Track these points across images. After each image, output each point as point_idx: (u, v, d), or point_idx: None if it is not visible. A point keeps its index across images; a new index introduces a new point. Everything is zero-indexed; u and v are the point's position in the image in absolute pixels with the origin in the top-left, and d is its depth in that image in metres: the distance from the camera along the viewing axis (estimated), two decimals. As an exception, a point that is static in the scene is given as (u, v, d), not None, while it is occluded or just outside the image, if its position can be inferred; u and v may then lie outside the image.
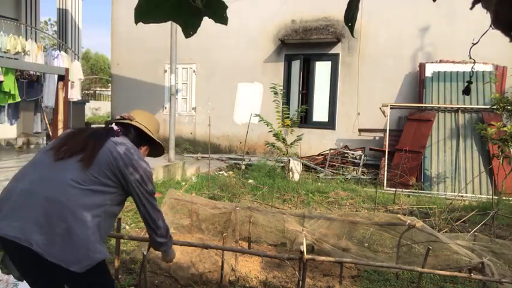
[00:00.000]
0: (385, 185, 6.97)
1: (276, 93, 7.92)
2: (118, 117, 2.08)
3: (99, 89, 26.23)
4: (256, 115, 7.99)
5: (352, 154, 8.38)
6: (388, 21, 8.42)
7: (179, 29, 1.20)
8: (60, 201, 1.60)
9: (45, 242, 1.53)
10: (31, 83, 7.55)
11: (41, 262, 1.60)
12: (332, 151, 8.52)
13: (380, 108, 8.04)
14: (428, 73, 7.84)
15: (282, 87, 8.58)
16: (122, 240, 3.24)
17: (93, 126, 12.42)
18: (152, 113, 8.96)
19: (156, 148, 2.19)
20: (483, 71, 7.37)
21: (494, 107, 5.99)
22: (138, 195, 1.84)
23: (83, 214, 1.63)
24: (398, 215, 3.57)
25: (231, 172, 7.83)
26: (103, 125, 2.07)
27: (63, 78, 5.03)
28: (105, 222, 1.79)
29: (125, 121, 2.03)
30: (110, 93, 14.35)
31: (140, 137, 2.03)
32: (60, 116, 4.90)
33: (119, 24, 10.89)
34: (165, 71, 10.35)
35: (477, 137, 6.86)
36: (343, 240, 3.46)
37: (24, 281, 1.86)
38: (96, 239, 1.66)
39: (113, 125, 1.98)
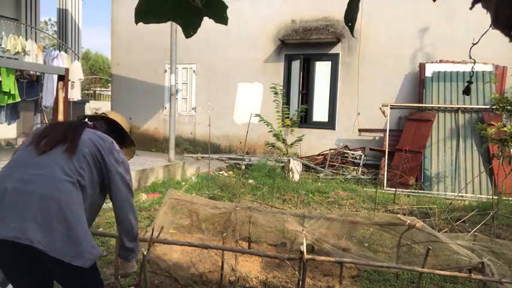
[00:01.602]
0: (385, 185, 6.97)
1: (276, 93, 7.92)
2: (91, 113, 2.18)
3: (99, 89, 26.20)
4: (256, 115, 7.99)
5: (352, 154, 8.38)
6: (388, 21, 8.42)
7: (179, 29, 1.20)
8: (55, 197, 1.58)
9: (46, 239, 1.51)
10: (31, 83, 7.54)
11: (38, 261, 1.60)
12: (332, 151, 8.52)
13: (380, 108, 8.04)
14: (428, 73, 7.84)
15: (282, 87, 8.58)
16: (122, 240, 3.23)
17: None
18: (152, 113, 8.90)
19: (126, 147, 2.22)
20: (483, 71, 7.37)
21: (494, 107, 5.99)
22: (118, 185, 1.83)
23: (77, 208, 1.63)
24: (398, 215, 3.57)
25: (231, 172, 7.84)
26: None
27: (63, 78, 5.03)
28: (91, 216, 1.81)
29: (98, 115, 2.11)
30: (110, 93, 14.35)
31: (111, 133, 2.05)
32: (60, 116, 4.91)
33: (119, 24, 10.89)
34: (165, 71, 10.35)
35: (477, 137, 6.86)
36: (343, 240, 3.46)
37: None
38: (90, 233, 1.68)
39: (86, 120, 2.04)
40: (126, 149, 2.19)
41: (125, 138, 2.17)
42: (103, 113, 2.13)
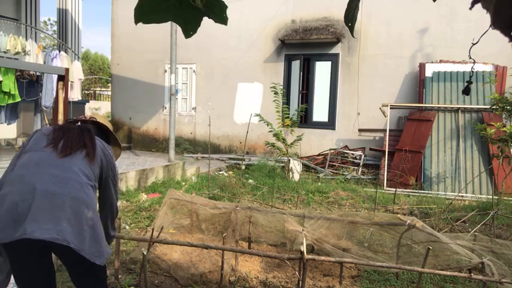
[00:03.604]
0: (385, 185, 6.97)
1: (276, 93, 7.93)
2: (81, 116, 2.25)
3: (99, 89, 26.20)
4: (257, 115, 7.99)
5: (352, 154, 8.38)
6: (388, 21, 8.42)
7: (179, 29, 1.20)
8: (84, 200, 1.70)
9: (78, 240, 1.62)
10: (31, 83, 7.55)
11: (48, 258, 1.78)
12: (332, 151, 8.52)
13: (380, 108, 8.04)
14: (428, 73, 7.84)
15: (282, 87, 8.59)
16: (121, 240, 3.24)
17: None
18: (152, 113, 8.90)
19: (112, 148, 2.34)
20: (483, 71, 7.37)
21: (494, 107, 5.99)
22: (111, 189, 2.03)
23: (96, 210, 1.80)
24: (398, 215, 3.57)
25: (231, 172, 7.84)
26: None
27: (63, 78, 5.02)
28: None
29: (88, 119, 2.20)
30: (110, 93, 14.35)
31: (100, 135, 2.17)
32: (60, 116, 4.90)
33: (119, 24, 10.90)
34: (165, 71, 10.35)
35: (477, 137, 6.86)
36: (343, 240, 3.46)
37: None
38: None
39: (79, 123, 2.13)
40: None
41: (109, 140, 2.31)
42: (92, 117, 2.22)
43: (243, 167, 7.78)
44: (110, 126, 2.28)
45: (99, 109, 23.37)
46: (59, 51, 8.33)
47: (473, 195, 6.40)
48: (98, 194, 2.02)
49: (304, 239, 2.54)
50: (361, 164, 8.02)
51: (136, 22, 1.15)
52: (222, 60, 9.86)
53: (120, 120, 10.92)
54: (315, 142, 9.05)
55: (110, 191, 2.02)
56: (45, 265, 1.78)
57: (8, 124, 7.36)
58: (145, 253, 2.40)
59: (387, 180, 7.04)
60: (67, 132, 1.89)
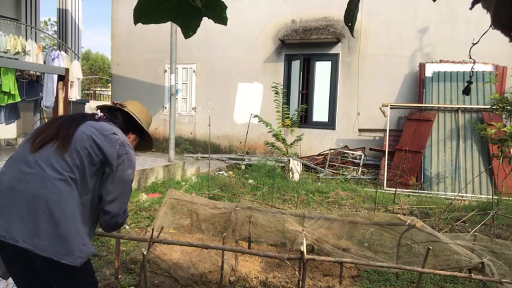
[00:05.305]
0: (385, 185, 6.97)
1: (276, 92, 7.93)
2: (110, 103, 2.03)
3: (99, 89, 26.19)
4: (255, 116, 7.99)
5: (352, 154, 8.38)
6: (388, 21, 8.42)
7: (179, 29, 1.20)
8: (44, 196, 1.55)
9: (33, 238, 1.49)
10: (31, 83, 7.54)
11: (30, 259, 1.59)
12: (332, 151, 8.52)
13: (380, 108, 8.04)
14: (428, 73, 7.84)
15: (282, 87, 8.58)
16: (121, 240, 3.24)
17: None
18: (152, 113, 8.87)
19: (145, 140, 2.12)
20: (483, 71, 7.37)
21: (494, 107, 5.99)
22: (116, 180, 1.72)
23: (68, 206, 1.58)
24: (398, 215, 3.57)
25: (231, 172, 7.83)
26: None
27: (63, 78, 5.03)
28: (92, 211, 1.74)
29: (113, 106, 1.98)
30: (110, 93, 14.35)
31: (128, 125, 1.96)
32: (60, 116, 4.90)
33: (119, 24, 10.90)
34: (165, 71, 10.35)
35: (477, 137, 6.86)
36: (343, 240, 3.46)
37: (11, 279, 1.84)
38: (85, 231, 1.64)
39: (98, 111, 1.92)
40: (143, 142, 2.11)
41: (144, 132, 2.05)
42: (119, 103, 1.99)
43: (243, 167, 7.78)
44: (139, 113, 2.00)
45: (99, 109, 23.29)
46: (60, 51, 8.33)
47: (473, 195, 6.40)
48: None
49: (304, 239, 2.54)
50: (361, 164, 8.02)
51: (135, 23, 1.15)
52: (222, 60, 9.86)
53: (120, 120, 10.91)
54: (315, 142, 9.05)
55: (113, 182, 1.70)
56: (23, 268, 1.66)
57: (6, 124, 7.35)
58: (145, 253, 2.40)
59: (387, 180, 7.04)
60: (50, 125, 1.76)
